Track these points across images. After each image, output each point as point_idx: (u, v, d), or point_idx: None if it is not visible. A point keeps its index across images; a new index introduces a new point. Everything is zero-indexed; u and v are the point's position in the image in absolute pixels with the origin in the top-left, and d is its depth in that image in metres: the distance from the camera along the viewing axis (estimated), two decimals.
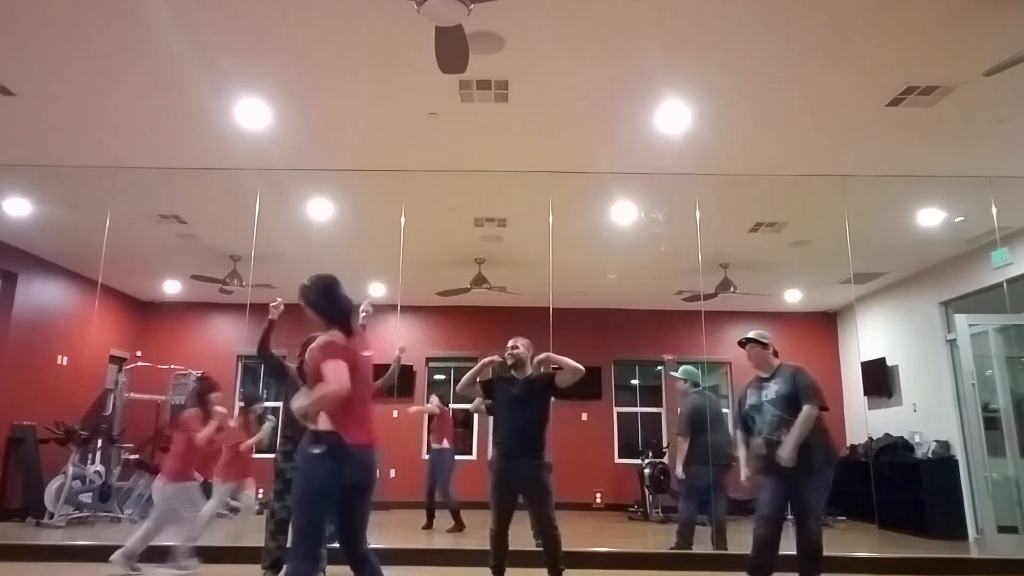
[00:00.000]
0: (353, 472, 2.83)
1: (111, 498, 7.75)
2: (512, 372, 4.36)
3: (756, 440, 4.10)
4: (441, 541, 6.59)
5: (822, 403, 3.96)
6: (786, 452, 3.84)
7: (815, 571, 3.91)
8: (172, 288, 9.75)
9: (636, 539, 7.03)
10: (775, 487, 3.95)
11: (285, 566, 2.76)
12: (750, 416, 4.17)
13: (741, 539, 5.83)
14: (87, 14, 3.83)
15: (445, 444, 7.65)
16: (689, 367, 6.31)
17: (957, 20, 3.79)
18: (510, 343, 4.41)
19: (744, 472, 4.25)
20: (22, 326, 8.04)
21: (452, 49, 3.64)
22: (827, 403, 4.01)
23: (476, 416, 10.28)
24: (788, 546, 3.99)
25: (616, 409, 10.46)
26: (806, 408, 3.90)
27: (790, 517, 3.99)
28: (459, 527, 7.25)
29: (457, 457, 7.93)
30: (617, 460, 10.25)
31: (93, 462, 8.37)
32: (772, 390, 4.08)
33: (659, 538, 7.03)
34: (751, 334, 4.28)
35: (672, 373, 6.54)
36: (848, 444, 9.69)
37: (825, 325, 10.63)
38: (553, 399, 4.33)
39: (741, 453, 4.30)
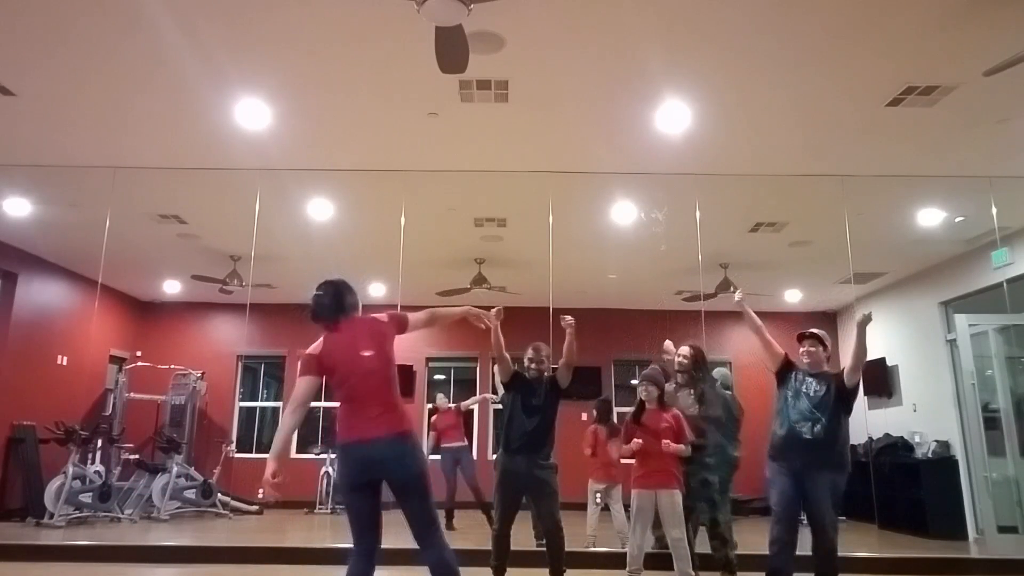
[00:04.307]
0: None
1: (111, 498, 7.75)
2: (527, 374, 4.35)
3: (779, 421, 4.00)
4: None
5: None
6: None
7: (833, 572, 3.90)
8: (172, 288, 9.75)
9: None
10: (787, 484, 3.91)
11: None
12: (785, 396, 4.06)
13: (743, 539, 5.84)
14: (87, 14, 3.82)
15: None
16: (724, 370, 6.37)
17: (957, 20, 3.79)
18: (531, 353, 4.37)
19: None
20: (22, 326, 8.04)
21: (452, 49, 3.64)
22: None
23: (475, 415, 10.29)
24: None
25: (617, 409, 10.45)
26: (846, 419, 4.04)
27: (802, 518, 3.97)
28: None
29: None
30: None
31: (93, 462, 8.37)
32: (813, 387, 4.00)
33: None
34: (817, 331, 4.14)
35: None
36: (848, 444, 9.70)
37: (825, 325, 10.59)
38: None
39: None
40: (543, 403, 4.22)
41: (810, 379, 4.05)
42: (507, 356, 4.22)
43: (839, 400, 3.97)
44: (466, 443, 7.80)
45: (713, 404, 4.83)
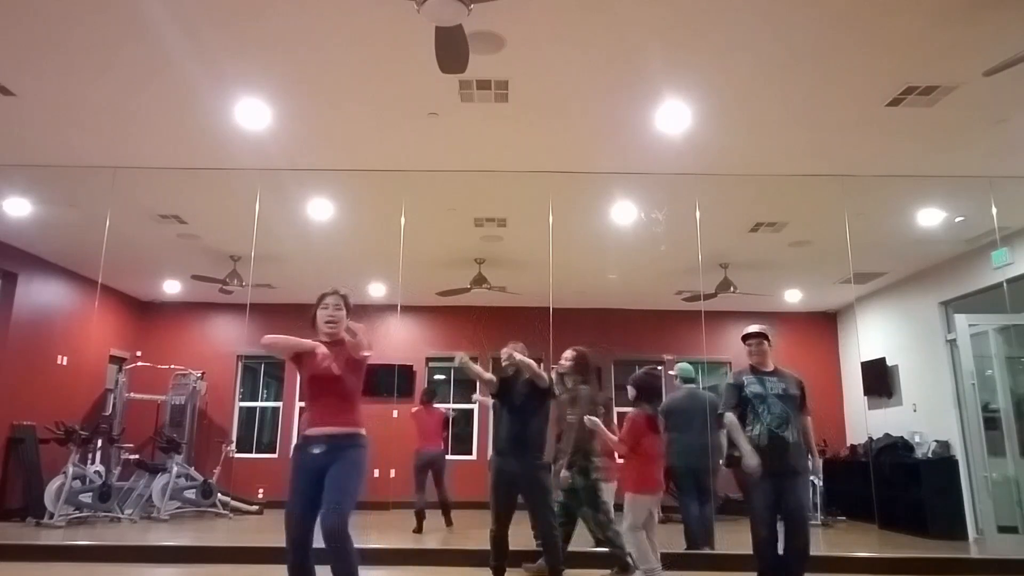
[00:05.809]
0: None
1: (111, 498, 7.75)
2: (507, 374, 4.38)
3: (757, 430, 4.00)
4: (440, 541, 6.59)
5: None
6: (817, 460, 4.08)
7: (803, 571, 3.92)
8: (172, 288, 9.75)
9: None
10: (769, 487, 3.93)
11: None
12: (752, 403, 4.06)
13: (736, 539, 5.84)
14: (88, 15, 3.82)
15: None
16: (685, 364, 6.32)
17: (957, 20, 3.79)
18: (504, 353, 4.39)
19: (752, 461, 3.89)
20: (22, 326, 8.04)
21: (452, 49, 3.64)
22: None
23: (475, 414, 10.28)
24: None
25: (617, 409, 10.45)
26: (810, 419, 4.13)
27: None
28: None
29: (458, 457, 7.89)
30: (618, 460, 10.23)
31: (93, 462, 8.38)
32: (778, 387, 4.06)
33: (658, 538, 7.01)
34: (759, 328, 4.19)
35: (671, 372, 6.57)
36: (848, 444, 9.70)
37: (825, 325, 10.63)
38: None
39: (740, 440, 3.98)
40: (523, 404, 4.27)
41: (769, 378, 4.12)
42: (486, 376, 4.34)
43: (803, 402, 4.12)
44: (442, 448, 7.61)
45: (585, 407, 4.81)
